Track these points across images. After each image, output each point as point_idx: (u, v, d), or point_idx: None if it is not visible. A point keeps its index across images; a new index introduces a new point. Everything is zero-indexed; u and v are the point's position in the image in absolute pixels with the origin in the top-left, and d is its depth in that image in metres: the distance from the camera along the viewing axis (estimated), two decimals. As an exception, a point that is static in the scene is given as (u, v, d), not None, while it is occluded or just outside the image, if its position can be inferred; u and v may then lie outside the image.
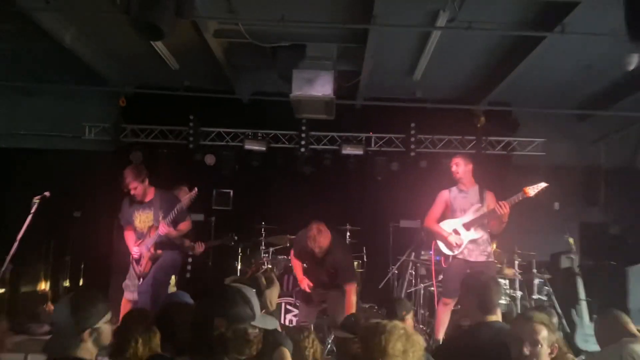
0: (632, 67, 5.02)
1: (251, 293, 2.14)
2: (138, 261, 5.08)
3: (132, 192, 5.02)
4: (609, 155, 8.54)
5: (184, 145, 8.08)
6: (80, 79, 7.55)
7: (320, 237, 4.94)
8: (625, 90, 7.13)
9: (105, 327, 2.46)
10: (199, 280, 7.19)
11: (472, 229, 5.02)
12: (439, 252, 5.24)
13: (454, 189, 5.29)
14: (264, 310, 2.64)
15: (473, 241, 5.03)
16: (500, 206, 4.81)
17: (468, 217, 5.06)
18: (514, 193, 4.92)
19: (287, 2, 5.34)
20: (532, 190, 4.86)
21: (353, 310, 4.90)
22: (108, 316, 2.48)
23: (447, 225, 5.15)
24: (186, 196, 5.01)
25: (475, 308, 3.09)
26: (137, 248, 5.08)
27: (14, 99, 8.28)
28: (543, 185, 4.88)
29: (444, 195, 5.31)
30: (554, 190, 8.37)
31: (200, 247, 5.81)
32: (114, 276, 6.64)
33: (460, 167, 5.21)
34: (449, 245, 5.10)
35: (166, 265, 5.08)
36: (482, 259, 5.03)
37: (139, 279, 5.05)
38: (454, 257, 5.06)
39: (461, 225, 5.06)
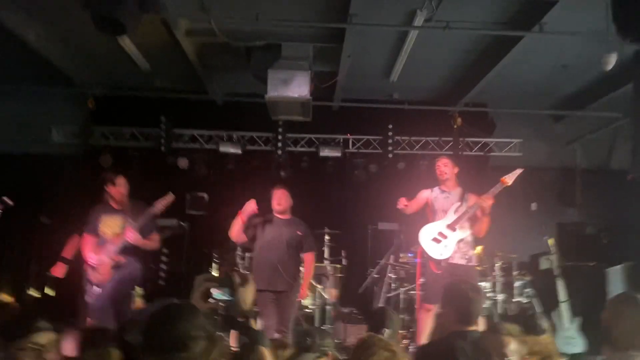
0: (609, 66, 4.99)
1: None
2: (96, 269, 4.80)
3: (116, 197, 4.92)
4: (584, 156, 8.58)
5: (155, 148, 7.85)
6: (47, 80, 7.28)
7: (284, 199, 5.21)
8: (601, 90, 7.17)
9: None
10: (174, 289, 6.96)
11: (457, 229, 4.90)
12: (426, 255, 5.07)
13: (435, 189, 5.16)
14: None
15: (462, 240, 4.92)
16: (484, 198, 4.74)
17: (450, 217, 4.95)
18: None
19: (262, 0, 5.20)
20: (509, 178, 4.80)
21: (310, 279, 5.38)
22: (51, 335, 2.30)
23: (431, 228, 5.01)
24: (160, 200, 4.79)
25: (454, 320, 2.98)
26: (96, 255, 4.82)
27: (-23, 101, 7.95)
28: (519, 171, 4.83)
29: (425, 193, 5.19)
30: (531, 190, 8.53)
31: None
32: (82, 285, 6.37)
33: (448, 168, 5.10)
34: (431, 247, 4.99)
35: (127, 278, 4.84)
36: (462, 262, 4.90)
37: (94, 287, 4.77)
38: (444, 261, 4.92)
39: (445, 227, 4.93)
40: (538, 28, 5.24)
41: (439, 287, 4.92)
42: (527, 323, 3.40)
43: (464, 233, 4.90)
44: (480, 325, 4.10)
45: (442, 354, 2.68)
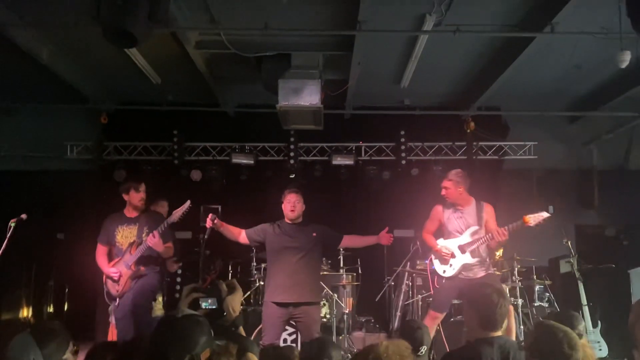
0: (624, 64, 4.90)
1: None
2: (116, 281, 4.82)
3: (137, 204, 4.92)
4: (601, 157, 8.48)
5: (169, 162, 7.89)
6: (60, 97, 7.36)
7: (298, 203, 4.85)
8: (616, 89, 7.07)
9: (71, 358, 2.31)
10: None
11: (467, 253, 4.80)
12: (433, 267, 5.04)
13: (449, 208, 5.00)
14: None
15: (466, 266, 4.81)
16: (499, 233, 4.60)
17: (464, 239, 4.84)
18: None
19: (270, 11, 5.22)
20: (533, 220, 4.56)
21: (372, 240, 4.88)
22: (72, 346, 2.30)
23: (445, 244, 4.94)
24: (178, 210, 4.78)
25: (475, 324, 2.90)
26: (115, 268, 4.83)
27: (-8, 119, 8.06)
28: (545, 215, 4.58)
29: (438, 211, 5.04)
30: (547, 193, 8.42)
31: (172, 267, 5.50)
32: (99, 299, 6.38)
33: (450, 190, 4.92)
34: (442, 259, 4.92)
35: (146, 290, 4.82)
36: (481, 274, 4.81)
37: (115, 300, 4.79)
38: (446, 279, 4.86)
39: (457, 247, 4.84)
40: (550, 28, 5.16)
41: (446, 297, 4.93)
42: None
43: (472, 259, 4.79)
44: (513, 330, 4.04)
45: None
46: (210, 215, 4.66)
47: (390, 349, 2.11)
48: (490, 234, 4.66)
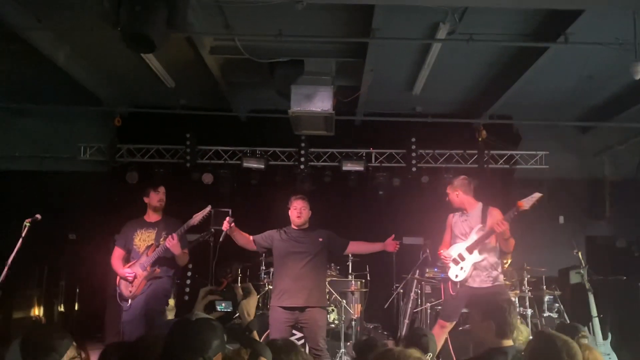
0: (639, 75, 4.88)
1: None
2: (130, 282, 4.85)
3: (156, 205, 4.98)
4: (613, 167, 8.43)
5: (181, 165, 7.95)
6: (74, 99, 7.44)
7: (304, 210, 4.91)
8: (628, 100, 7.04)
9: None
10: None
11: (475, 252, 4.80)
12: (445, 275, 5.04)
13: (457, 213, 5.08)
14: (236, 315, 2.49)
15: (476, 265, 4.82)
16: (498, 224, 4.60)
17: (471, 239, 4.86)
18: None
19: (284, 17, 5.25)
20: (527, 202, 4.54)
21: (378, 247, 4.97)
22: (73, 350, 2.31)
23: (453, 251, 4.96)
24: (198, 214, 4.81)
25: (492, 334, 2.92)
26: (130, 269, 4.88)
27: (7, 120, 8.17)
28: (537, 195, 4.56)
29: (449, 219, 5.14)
30: (558, 203, 8.37)
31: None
32: (110, 300, 6.43)
33: (450, 196, 5.02)
34: (447, 266, 4.93)
35: (159, 293, 4.85)
36: (487, 284, 4.81)
37: (127, 301, 4.82)
38: (460, 284, 4.85)
39: (464, 249, 4.85)
40: (563, 39, 5.17)
41: (454, 306, 4.93)
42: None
43: (480, 257, 4.78)
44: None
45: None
46: (228, 219, 4.72)
47: (403, 354, 2.11)
48: (491, 227, 4.67)
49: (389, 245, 4.85)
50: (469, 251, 4.80)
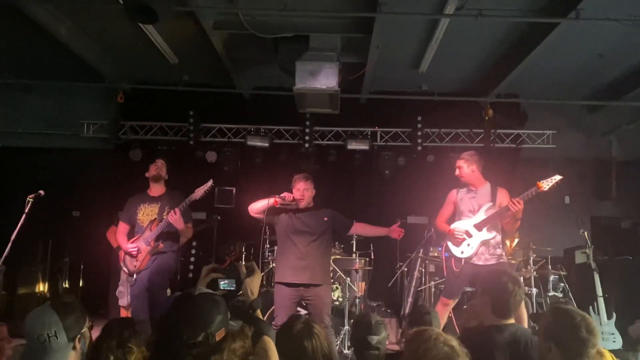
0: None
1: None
2: (134, 257, 4.85)
3: (153, 171, 4.99)
4: (620, 148, 8.34)
5: (184, 142, 7.90)
6: (77, 76, 7.38)
7: (308, 189, 4.86)
8: (638, 79, 6.92)
9: (87, 332, 2.32)
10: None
11: (484, 230, 4.77)
12: (449, 252, 5.00)
13: (463, 189, 5.01)
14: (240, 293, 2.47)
15: (485, 242, 4.78)
16: (514, 203, 4.55)
17: (479, 217, 4.81)
18: (524, 186, 4.66)
19: (290, -9, 5.16)
20: (546, 184, 4.51)
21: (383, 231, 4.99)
22: (88, 321, 2.34)
23: (459, 225, 4.90)
24: (200, 188, 4.79)
25: (488, 310, 2.88)
26: (134, 244, 4.87)
27: (10, 97, 8.12)
28: (557, 178, 4.53)
29: (452, 195, 5.06)
30: (564, 183, 8.28)
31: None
32: (113, 277, 6.45)
33: (463, 169, 4.91)
34: (455, 241, 4.87)
35: (163, 268, 4.84)
36: (491, 262, 4.78)
37: (132, 275, 4.82)
38: (465, 260, 4.82)
39: (472, 227, 4.80)
40: (574, 14, 5.06)
41: (458, 284, 4.90)
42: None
43: (489, 235, 4.74)
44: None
45: (479, 348, 2.59)
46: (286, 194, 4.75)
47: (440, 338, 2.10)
48: (506, 206, 4.61)
49: (393, 232, 4.83)
50: (477, 228, 4.76)
